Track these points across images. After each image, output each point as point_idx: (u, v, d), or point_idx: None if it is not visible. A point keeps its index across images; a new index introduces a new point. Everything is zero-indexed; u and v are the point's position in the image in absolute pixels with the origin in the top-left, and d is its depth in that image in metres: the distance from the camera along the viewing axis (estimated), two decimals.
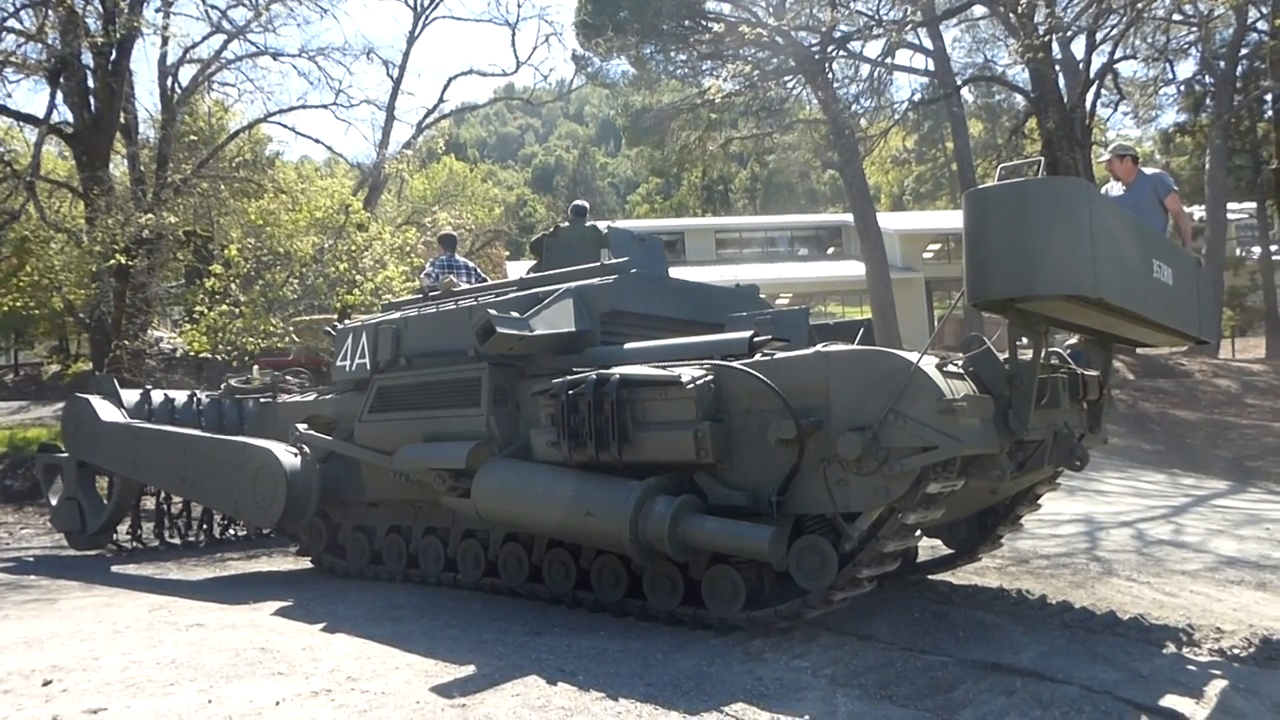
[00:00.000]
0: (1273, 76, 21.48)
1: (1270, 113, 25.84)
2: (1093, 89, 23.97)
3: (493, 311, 5.93)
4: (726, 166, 34.79)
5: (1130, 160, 6.90)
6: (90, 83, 17.94)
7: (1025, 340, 4.91)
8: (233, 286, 15.73)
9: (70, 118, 18.41)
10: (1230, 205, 28.49)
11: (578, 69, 28.75)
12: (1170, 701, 4.13)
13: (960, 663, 4.70)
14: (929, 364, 4.59)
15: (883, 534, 4.76)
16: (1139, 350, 22.29)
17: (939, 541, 6.84)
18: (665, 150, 28.58)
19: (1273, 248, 28.89)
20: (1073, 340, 6.11)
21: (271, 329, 15.37)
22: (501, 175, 72.90)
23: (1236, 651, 4.97)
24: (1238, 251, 33.02)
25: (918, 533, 5.22)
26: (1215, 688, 4.35)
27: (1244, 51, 25.80)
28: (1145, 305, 4.81)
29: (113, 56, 17.86)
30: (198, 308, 16.20)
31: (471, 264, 9.94)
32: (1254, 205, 30.75)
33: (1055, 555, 7.83)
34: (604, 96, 50.59)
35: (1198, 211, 28.88)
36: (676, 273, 7.83)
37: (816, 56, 23.44)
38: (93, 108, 17.96)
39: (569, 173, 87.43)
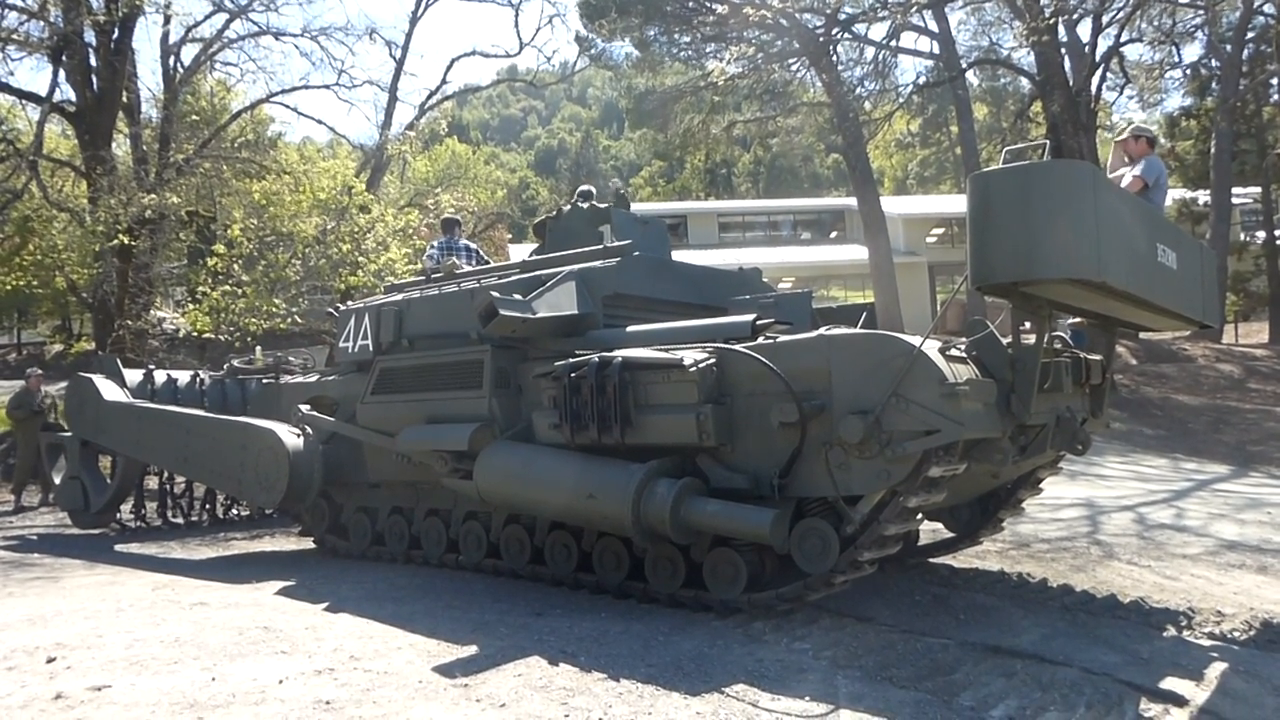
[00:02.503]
0: (1279, 60, 21.37)
1: (1276, 96, 25.73)
2: (1098, 72, 23.86)
3: (495, 294, 5.93)
4: (730, 150, 34.62)
5: (1146, 141, 6.77)
6: (93, 61, 17.86)
7: (1028, 325, 4.91)
8: (235, 267, 15.72)
9: (73, 96, 18.34)
10: (1235, 190, 28.33)
11: (581, 51, 28.60)
12: (1170, 684, 4.15)
13: (961, 645, 4.72)
14: (931, 348, 4.59)
15: (884, 517, 4.77)
16: (1142, 335, 22.30)
17: (940, 525, 6.85)
18: (668, 133, 28.45)
19: (1277, 232, 28.76)
20: (1074, 320, 6.09)
21: (274, 309, 15.37)
22: (504, 158, 72.75)
23: (1237, 634, 4.99)
24: (1242, 236, 32.87)
25: (919, 516, 5.23)
26: (1215, 670, 4.37)
27: (1250, 35, 25.60)
28: (1149, 289, 4.80)
29: (115, 35, 17.78)
30: (200, 288, 16.20)
31: (474, 246, 9.92)
32: (1259, 190, 30.58)
33: (1056, 539, 7.85)
34: (607, 79, 50.37)
35: (1203, 196, 28.79)
36: (679, 256, 7.82)
37: (821, 39, 23.30)
38: (95, 86, 17.89)
39: (572, 155, 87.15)
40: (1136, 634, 5.00)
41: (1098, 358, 5.91)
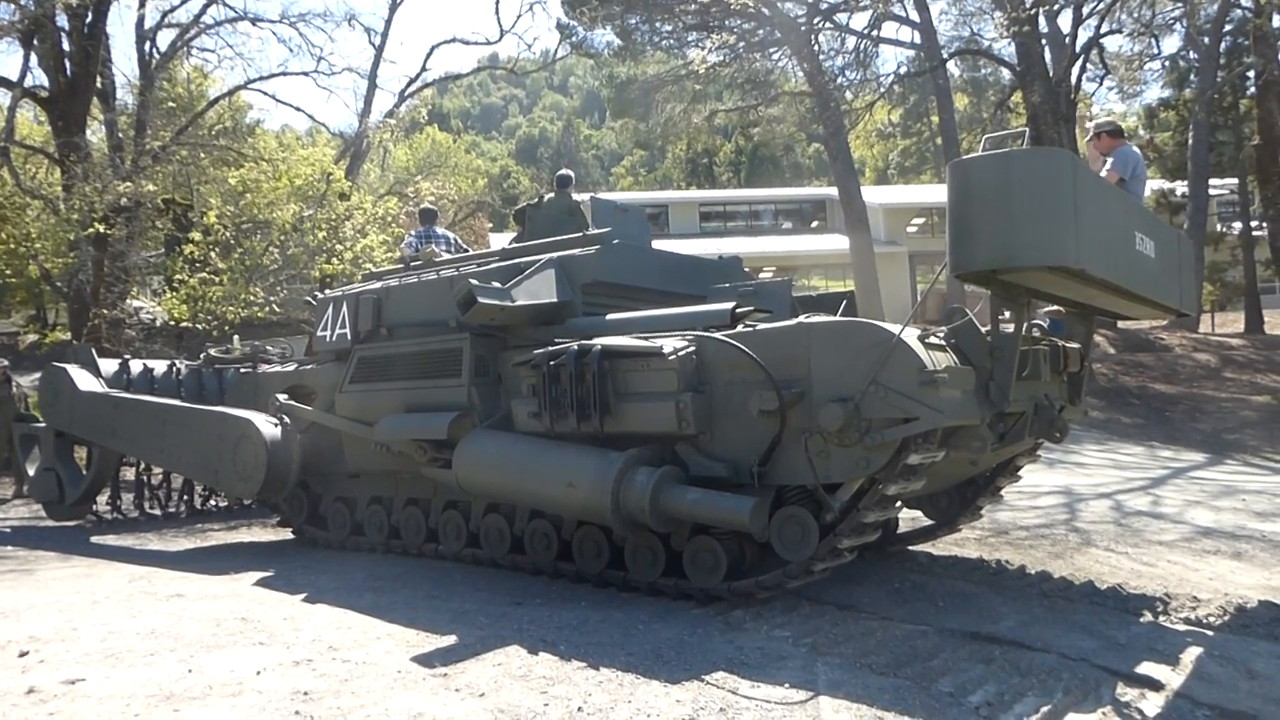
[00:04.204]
0: (1255, 53, 21.53)
1: (1253, 89, 25.90)
2: (1078, 63, 23.95)
3: (474, 281, 5.90)
4: (711, 139, 34.51)
5: (1111, 135, 6.77)
6: (65, 46, 17.58)
7: (1008, 313, 4.92)
8: (212, 254, 15.56)
9: (45, 82, 18.07)
10: (1212, 181, 28.57)
11: (562, 38, 28.34)
12: (1146, 669, 4.18)
13: (939, 632, 4.74)
14: (911, 335, 4.60)
15: (863, 505, 4.78)
16: (1120, 324, 22.46)
17: (919, 513, 6.88)
18: (650, 122, 28.37)
19: (1253, 223, 29.05)
20: (1052, 308, 6.12)
21: (252, 298, 15.24)
22: (485, 146, 72.42)
23: (1212, 620, 5.03)
24: (1219, 227, 33.19)
25: (898, 504, 5.23)
26: (1191, 655, 4.41)
27: (1228, 27, 25.80)
28: (1127, 277, 4.82)
29: (88, 19, 17.51)
30: (177, 276, 16.03)
31: (452, 235, 9.87)
32: (1235, 181, 30.90)
33: (1035, 526, 7.90)
34: (589, 67, 50.12)
35: (1180, 186, 29.03)
36: (660, 246, 7.79)
37: (803, 28, 23.27)
38: (68, 72, 17.62)
39: (553, 144, 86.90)
40: (1113, 620, 5.03)
41: (1076, 346, 5.94)
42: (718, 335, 5.17)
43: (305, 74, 23.23)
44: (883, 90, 27.40)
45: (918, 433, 4.52)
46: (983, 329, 4.91)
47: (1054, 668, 4.14)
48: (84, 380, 9.11)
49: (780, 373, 4.84)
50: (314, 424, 7.51)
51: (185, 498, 10.41)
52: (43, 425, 9.81)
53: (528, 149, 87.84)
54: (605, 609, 5.30)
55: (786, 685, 3.92)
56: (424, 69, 26.92)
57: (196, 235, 15.95)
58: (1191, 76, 28.14)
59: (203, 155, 20.29)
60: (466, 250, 9.37)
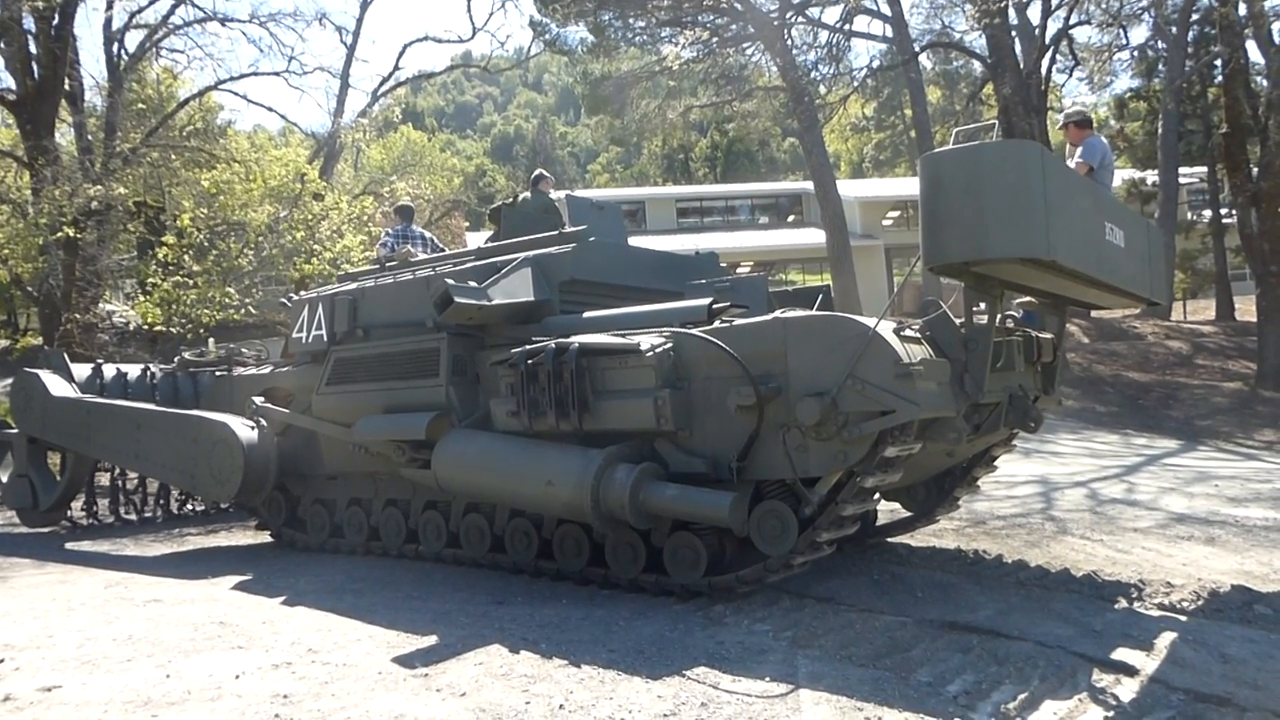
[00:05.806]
0: (1223, 41, 21.71)
1: (1220, 77, 26.18)
2: (1048, 55, 24.12)
3: (450, 281, 5.88)
4: (687, 135, 34.56)
5: (1080, 124, 6.84)
6: (33, 48, 17.35)
7: (982, 305, 4.96)
8: (186, 257, 15.42)
9: (13, 84, 17.82)
10: (1182, 170, 28.88)
11: (535, 35, 28.27)
12: (1121, 654, 4.24)
13: (918, 622, 4.78)
14: (886, 329, 4.62)
15: (842, 498, 4.81)
16: (1093, 314, 22.67)
17: (898, 505, 6.92)
18: (625, 119, 28.33)
19: (1222, 211, 29.38)
20: (1025, 299, 6.18)
21: (227, 300, 15.11)
22: (460, 145, 72.09)
23: (1185, 605, 5.10)
24: (1189, 215, 33.55)
25: (876, 496, 5.27)
26: (1165, 640, 4.46)
27: (1195, 17, 26.04)
28: (1098, 268, 4.88)
29: (55, 21, 17.28)
30: (150, 279, 15.87)
31: (428, 234, 9.84)
32: (1205, 170, 31.22)
33: (1011, 516, 7.97)
34: (563, 64, 50.01)
35: (1151, 176, 29.31)
36: (638, 242, 7.80)
37: (775, 22, 23.31)
38: (36, 74, 17.38)
39: (529, 142, 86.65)
40: (1089, 607, 5.09)
41: (1049, 336, 6.00)
42: (695, 331, 5.18)
43: (276, 74, 23.03)
44: (856, 84, 27.49)
45: (894, 425, 4.56)
46: (957, 321, 4.95)
47: (1031, 655, 4.19)
48: (56, 385, 9.01)
49: (757, 368, 4.86)
50: (291, 426, 7.47)
51: (161, 502, 10.32)
52: (15, 431, 9.70)
53: (503, 147, 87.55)
54: (586, 606, 5.31)
55: (767, 679, 3.95)
56: (397, 68, 26.68)
57: (169, 238, 15.80)
58: (1160, 66, 28.39)
59: (174, 157, 20.09)
60: (443, 249, 9.34)
